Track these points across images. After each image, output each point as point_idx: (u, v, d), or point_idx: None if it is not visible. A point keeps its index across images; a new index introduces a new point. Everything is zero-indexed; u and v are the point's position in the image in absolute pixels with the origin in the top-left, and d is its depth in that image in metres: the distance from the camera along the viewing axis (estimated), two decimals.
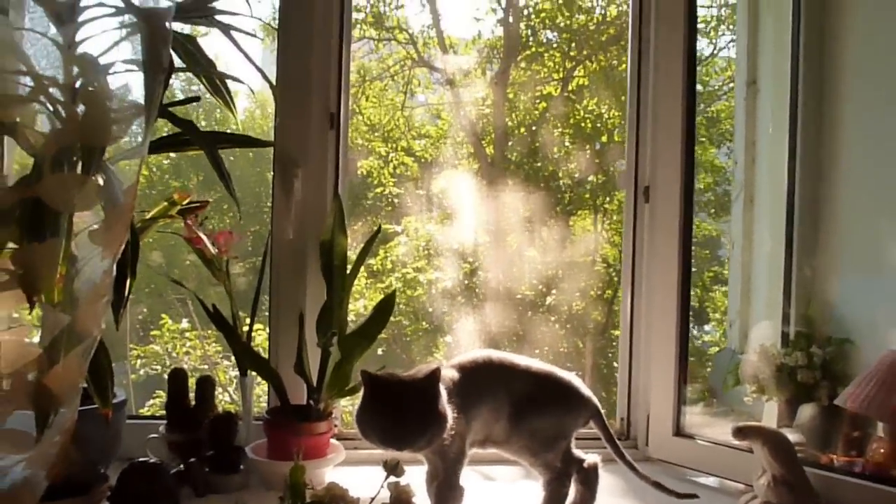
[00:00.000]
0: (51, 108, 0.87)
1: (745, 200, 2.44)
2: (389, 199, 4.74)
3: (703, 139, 4.83)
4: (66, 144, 0.85)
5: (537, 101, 5.59)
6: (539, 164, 5.38)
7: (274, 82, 1.42)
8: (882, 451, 1.33)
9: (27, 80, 0.91)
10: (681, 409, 1.50)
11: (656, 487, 1.19)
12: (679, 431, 1.49)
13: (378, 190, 4.79)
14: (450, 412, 1.02)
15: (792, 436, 1.33)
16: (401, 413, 0.99)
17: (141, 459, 1.27)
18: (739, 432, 1.23)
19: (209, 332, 3.50)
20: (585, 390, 1.20)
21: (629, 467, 1.21)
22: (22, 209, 0.85)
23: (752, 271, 2.37)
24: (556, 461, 1.16)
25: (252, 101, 4.34)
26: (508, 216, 4.82)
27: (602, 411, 1.20)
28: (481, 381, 1.13)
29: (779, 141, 1.98)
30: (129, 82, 0.93)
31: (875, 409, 1.35)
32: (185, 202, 1.25)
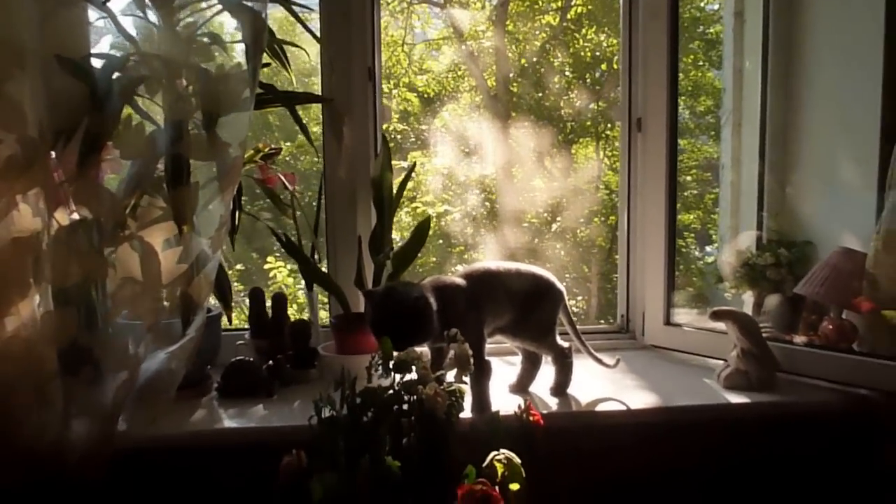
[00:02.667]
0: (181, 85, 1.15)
1: (733, 125, 2.64)
2: (393, 136, 4.91)
3: (703, 63, 4.92)
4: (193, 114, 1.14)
5: (537, 31, 5.64)
6: (541, 95, 5.49)
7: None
8: (831, 327, 1.64)
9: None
10: (670, 303, 1.81)
11: (595, 359, 1.56)
12: (669, 321, 1.81)
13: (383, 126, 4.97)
14: (436, 319, 1.29)
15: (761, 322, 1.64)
16: (391, 324, 1.24)
17: (239, 358, 1.60)
18: (715, 315, 1.54)
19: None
20: (559, 284, 1.54)
21: (580, 343, 1.57)
22: (170, 162, 1.14)
23: (740, 190, 2.61)
24: (556, 342, 1.51)
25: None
26: (513, 147, 4.95)
27: None
28: (483, 285, 1.45)
29: (758, 70, 2.22)
30: (240, 60, 1.19)
31: (825, 295, 1.67)
32: (266, 150, 1.53)
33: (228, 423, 1.41)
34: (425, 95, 5.76)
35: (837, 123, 1.91)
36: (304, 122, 1.53)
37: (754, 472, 1.52)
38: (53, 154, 1.18)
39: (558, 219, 4.88)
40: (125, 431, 1.27)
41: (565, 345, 1.54)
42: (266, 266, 4.24)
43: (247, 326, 1.74)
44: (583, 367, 1.59)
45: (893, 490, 1.45)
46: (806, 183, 2.01)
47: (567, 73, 5.51)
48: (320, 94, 1.73)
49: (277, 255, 4.23)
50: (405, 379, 1.09)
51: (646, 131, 1.83)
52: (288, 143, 4.20)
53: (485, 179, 4.72)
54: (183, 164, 1.14)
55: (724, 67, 3.00)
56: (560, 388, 1.53)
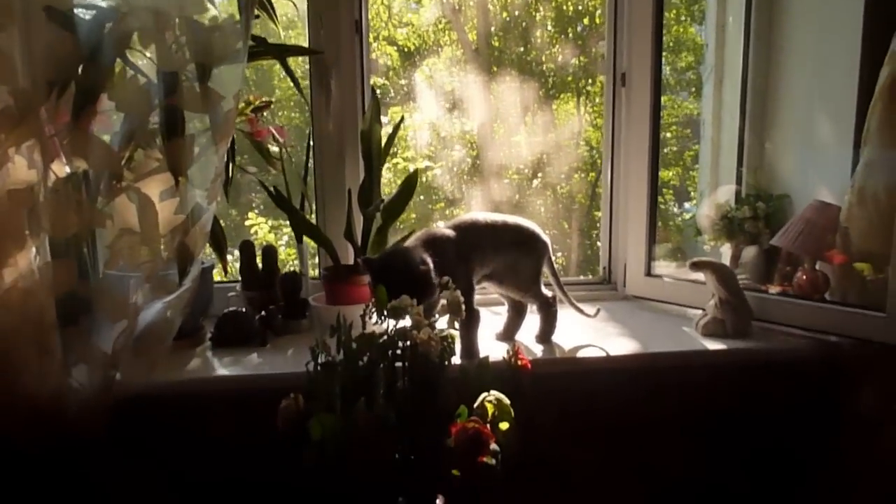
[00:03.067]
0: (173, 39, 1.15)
1: (714, 82, 2.67)
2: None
3: (685, 18, 4.90)
4: (186, 66, 1.14)
5: None
6: (522, 49, 5.45)
7: None
8: (805, 278, 1.71)
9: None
10: (651, 255, 1.86)
11: (576, 309, 1.62)
12: (649, 273, 1.87)
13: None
14: (434, 278, 1.32)
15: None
16: (396, 293, 1.23)
17: (232, 309, 1.63)
18: (694, 265, 1.60)
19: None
20: (544, 235, 1.58)
21: (563, 293, 1.62)
22: (165, 114, 1.15)
23: (720, 147, 2.65)
24: (541, 291, 1.56)
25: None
26: (494, 103, 4.92)
27: None
28: (471, 235, 1.50)
29: (740, 27, 2.25)
30: (233, 12, 1.19)
31: (800, 246, 1.73)
32: (258, 102, 1.54)
33: (224, 371, 1.45)
34: (405, 49, 5.69)
35: (817, 81, 1.95)
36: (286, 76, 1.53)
37: (728, 414, 1.60)
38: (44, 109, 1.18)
39: (539, 175, 4.90)
40: (124, 380, 1.31)
41: (549, 294, 1.59)
42: (247, 223, 4.25)
43: (237, 279, 1.77)
44: (566, 316, 1.64)
45: (854, 428, 1.54)
46: (784, 139, 2.06)
47: (549, 28, 5.46)
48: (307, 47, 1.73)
49: (257, 210, 4.23)
50: (399, 325, 1.13)
51: (630, 86, 1.86)
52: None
53: (465, 135, 4.72)
54: (177, 116, 1.15)
55: (706, 23, 3.02)
56: (545, 336, 1.59)
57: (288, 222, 1.67)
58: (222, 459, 1.47)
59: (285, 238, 4.16)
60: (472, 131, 4.79)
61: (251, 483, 1.48)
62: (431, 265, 1.34)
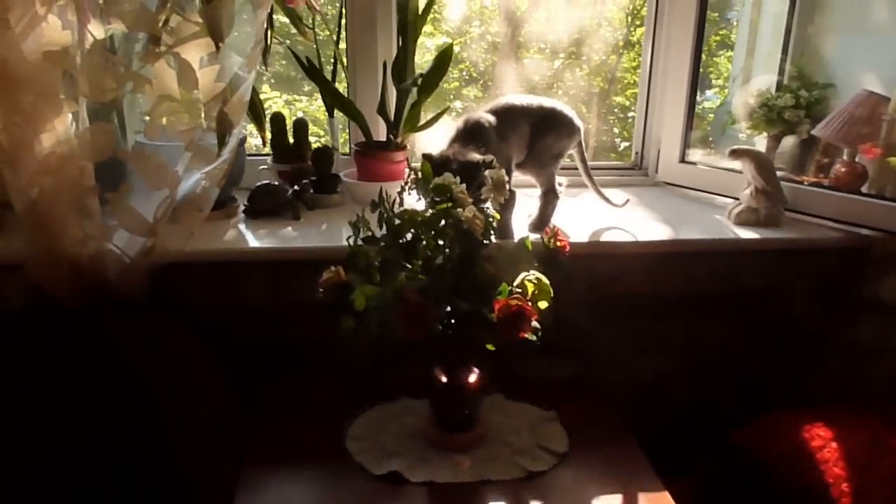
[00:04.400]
0: None
1: None
2: None
3: None
4: None
5: None
6: None
7: None
8: (843, 170, 1.69)
9: None
10: (687, 141, 1.83)
11: (603, 198, 1.63)
12: (684, 159, 1.85)
13: None
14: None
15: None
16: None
17: (265, 182, 1.63)
18: (733, 153, 1.58)
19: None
20: (578, 120, 1.56)
21: (590, 181, 1.64)
22: None
23: (758, 30, 2.54)
24: (553, 176, 1.56)
25: None
26: None
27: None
28: (510, 118, 1.49)
29: None
30: None
31: (842, 138, 1.69)
32: None
33: (259, 242, 1.46)
34: None
35: None
36: None
37: (753, 299, 1.63)
38: None
39: (560, 55, 4.76)
40: (163, 247, 1.33)
41: (559, 182, 1.58)
42: (261, 96, 4.16)
43: (268, 152, 1.76)
44: (598, 201, 1.64)
45: (876, 317, 1.57)
46: (833, 23, 1.97)
47: None
48: None
49: (271, 83, 4.13)
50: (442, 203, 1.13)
51: None
52: None
53: (483, 11, 4.55)
54: None
55: None
56: (540, 223, 1.56)
57: (301, 98, 1.64)
58: (256, 324, 1.52)
59: (299, 114, 4.10)
60: (492, 7, 4.62)
61: (282, 345, 1.53)
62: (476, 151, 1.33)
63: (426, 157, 1.29)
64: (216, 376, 1.40)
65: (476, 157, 1.30)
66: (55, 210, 1.26)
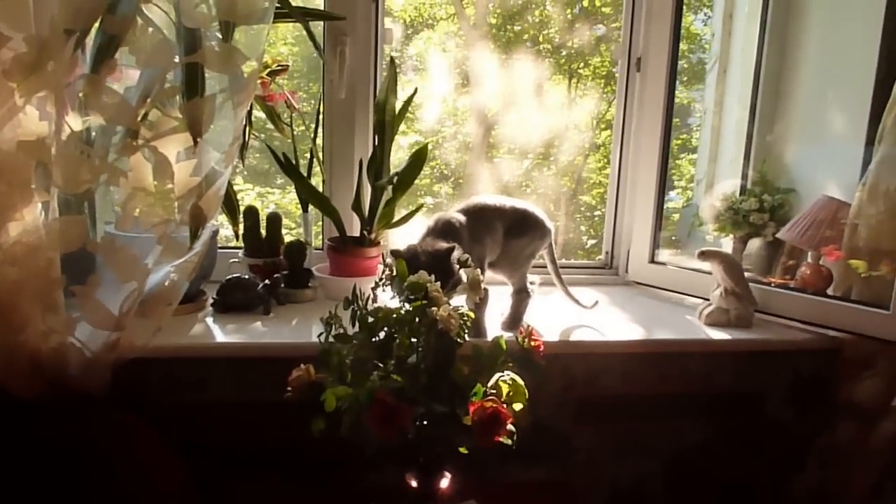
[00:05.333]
0: None
1: (719, 71, 2.66)
2: None
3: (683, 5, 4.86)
4: (210, 22, 1.11)
5: None
6: (519, 28, 5.39)
7: None
8: (808, 272, 1.73)
9: None
10: (657, 241, 1.86)
11: (572, 300, 1.64)
12: (653, 260, 1.87)
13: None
14: (457, 267, 1.30)
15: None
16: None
17: (236, 275, 1.61)
18: (703, 254, 1.60)
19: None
20: (549, 222, 1.59)
21: (560, 283, 1.65)
22: (185, 72, 1.11)
23: (720, 136, 2.65)
24: (526, 275, 1.57)
25: None
26: (488, 78, 4.86)
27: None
28: (482, 219, 1.51)
29: (753, 17, 2.24)
30: None
31: (806, 241, 1.74)
32: (274, 65, 1.50)
33: (228, 337, 1.42)
34: (402, 21, 5.63)
35: (831, 74, 1.95)
36: (294, 42, 1.50)
37: (728, 401, 1.61)
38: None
39: (528, 155, 4.88)
40: (128, 341, 1.28)
41: (531, 281, 1.59)
42: (235, 188, 4.18)
43: (240, 245, 1.74)
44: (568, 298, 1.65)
45: (850, 421, 1.56)
46: (793, 132, 2.06)
47: (548, 7, 5.41)
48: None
49: (244, 175, 4.16)
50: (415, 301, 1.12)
51: (645, 72, 1.85)
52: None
53: (456, 112, 4.68)
54: (198, 74, 1.12)
55: (714, 11, 3.00)
56: (513, 321, 1.55)
57: (274, 191, 1.65)
58: (223, 423, 1.45)
59: (271, 206, 4.12)
60: (463, 109, 4.75)
61: (249, 445, 1.47)
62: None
63: (394, 252, 1.29)
64: (176, 478, 1.33)
65: (443, 245, 1.30)
66: (18, 301, 1.21)
